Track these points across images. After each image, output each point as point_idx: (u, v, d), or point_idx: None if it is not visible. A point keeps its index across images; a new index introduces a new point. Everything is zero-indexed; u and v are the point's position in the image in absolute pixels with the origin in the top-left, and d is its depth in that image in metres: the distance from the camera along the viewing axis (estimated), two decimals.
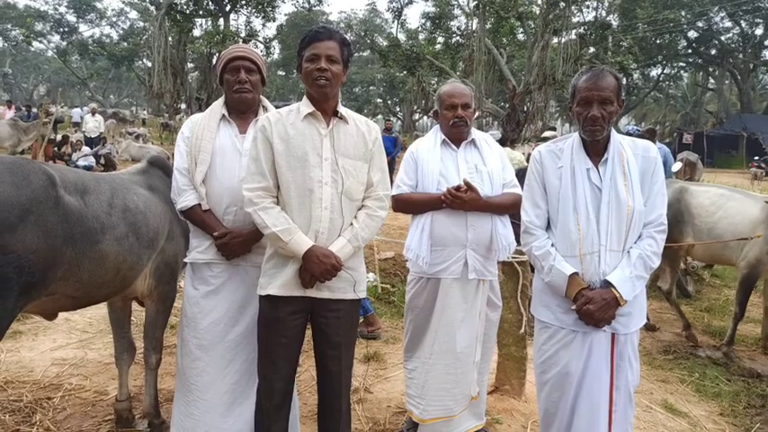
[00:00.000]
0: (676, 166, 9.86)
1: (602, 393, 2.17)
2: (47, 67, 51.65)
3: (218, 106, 2.54)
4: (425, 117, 44.81)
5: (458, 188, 2.58)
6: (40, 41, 42.62)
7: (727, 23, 35.33)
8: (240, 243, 2.39)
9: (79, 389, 3.37)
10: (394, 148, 12.78)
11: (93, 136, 16.37)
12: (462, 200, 2.57)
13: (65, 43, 42.82)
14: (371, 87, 51.94)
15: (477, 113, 2.86)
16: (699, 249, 5.01)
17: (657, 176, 2.22)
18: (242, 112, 2.53)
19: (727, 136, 30.21)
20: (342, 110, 2.24)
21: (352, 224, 2.23)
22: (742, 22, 34.66)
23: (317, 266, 2.11)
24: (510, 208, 2.72)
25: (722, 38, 35.89)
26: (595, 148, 2.23)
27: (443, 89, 2.83)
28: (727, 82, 40.39)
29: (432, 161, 2.75)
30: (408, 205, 2.78)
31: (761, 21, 34.47)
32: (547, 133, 9.57)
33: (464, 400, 2.79)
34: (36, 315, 2.78)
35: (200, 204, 2.43)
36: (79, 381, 3.48)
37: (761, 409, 3.68)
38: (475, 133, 2.83)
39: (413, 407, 2.83)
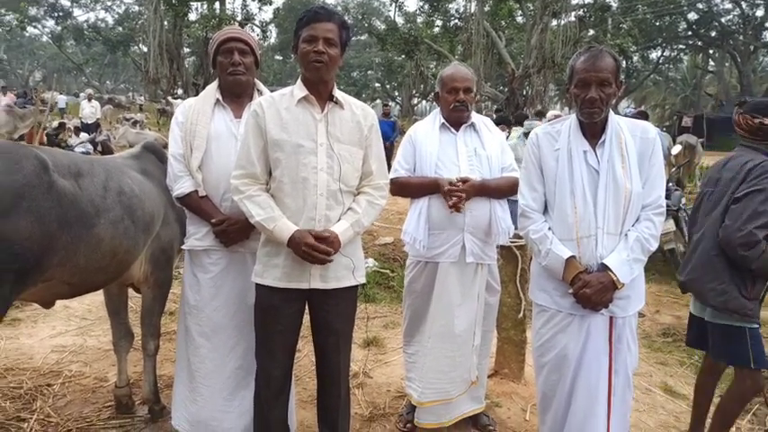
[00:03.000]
0: (676, 149, 9.84)
1: (601, 377, 2.17)
2: (42, 52, 51.15)
3: (211, 90, 2.50)
4: (424, 101, 44.63)
5: (459, 182, 2.56)
6: (35, 26, 42.12)
7: (728, 5, 35.07)
8: (238, 230, 2.37)
9: (79, 375, 3.37)
10: (392, 133, 12.72)
11: (89, 122, 16.26)
12: (461, 192, 2.55)
13: (59, 28, 42.39)
14: (369, 72, 51.63)
15: (477, 97, 2.81)
16: None
17: (656, 158, 2.19)
18: (236, 96, 2.49)
19: (726, 119, 29.71)
20: (337, 94, 2.19)
21: (352, 209, 2.19)
22: (743, 3, 34.35)
23: (301, 254, 2.05)
24: (507, 191, 2.70)
25: (722, 19, 35.59)
26: (593, 130, 2.20)
27: (445, 72, 2.78)
28: (727, 64, 40.12)
29: (430, 144, 2.73)
30: (405, 189, 2.76)
31: (761, 2, 34.16)
32: (551, 113, 9.54)
33: (462, 384, 2.79)
34: (33, 302, 2.76)
35: (196, 191, 2.40)
36: (79, 367, 3.48)
37: (759, 391, 3.68)
38: (475, 117, 2.80)
39: (412, 390, 2.84)
